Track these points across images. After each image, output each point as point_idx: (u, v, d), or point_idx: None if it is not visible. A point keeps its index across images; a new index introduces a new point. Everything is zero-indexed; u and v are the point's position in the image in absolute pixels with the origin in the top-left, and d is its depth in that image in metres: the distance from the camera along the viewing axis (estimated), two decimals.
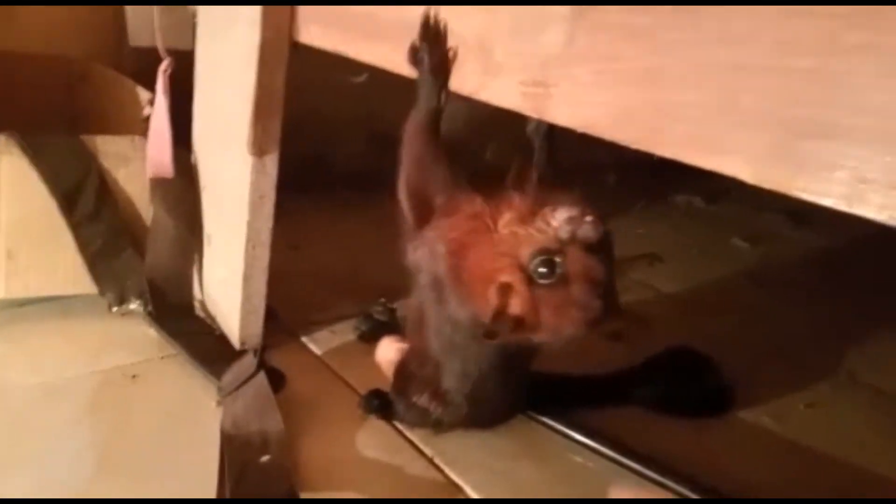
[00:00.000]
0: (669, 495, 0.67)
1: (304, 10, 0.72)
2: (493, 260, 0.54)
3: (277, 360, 0.83)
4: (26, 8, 1.11)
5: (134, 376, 0.78)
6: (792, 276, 1.34)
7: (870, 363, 0.99)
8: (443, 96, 0.58)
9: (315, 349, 0.88)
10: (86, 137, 0.85)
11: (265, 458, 0.67)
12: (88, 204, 0.84)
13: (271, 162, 0.77)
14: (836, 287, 1.29)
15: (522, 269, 0.52)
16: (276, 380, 0.79)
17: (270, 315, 0.85)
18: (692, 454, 0.73)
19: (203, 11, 0.83)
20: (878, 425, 0.86)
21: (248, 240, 0.79)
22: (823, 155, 0.34)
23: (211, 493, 0.62)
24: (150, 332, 0.86)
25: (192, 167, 0.87)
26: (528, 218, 0.54)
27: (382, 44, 0.64)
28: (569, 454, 0.73)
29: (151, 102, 0.84)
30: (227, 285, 0.84)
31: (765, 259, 1.40)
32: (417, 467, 0.69)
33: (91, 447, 0.67)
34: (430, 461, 0.70)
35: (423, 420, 0.71)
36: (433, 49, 0.56)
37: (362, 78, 1.25)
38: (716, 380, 0.81)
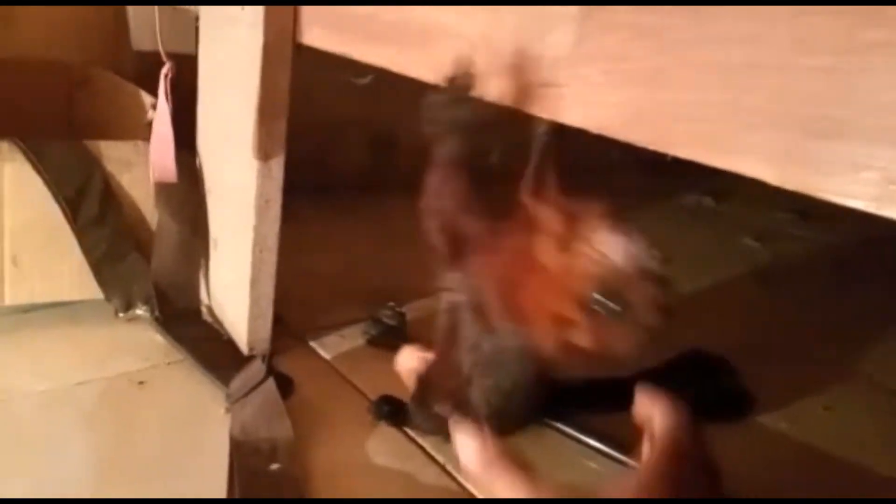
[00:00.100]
0: None
1: (307, 12, 0.71)
2: (549, 297, 0.51)
3: (285, 365, 0.82)
4: (26, 12, 1.10)
5: (141, 382, 0.77)
6: (804, 276, 1.33)
7: (887, 364, 0.97)
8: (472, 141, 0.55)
9: (323, 354, 0.87)
10: (88, 142, 0.84)
11: (275, 466, 0.66)
12: (92, 209, 0.83)
13: (277, 165, 0.76)
14: (848, 286, 1.27)
15: (583, 303, 0.50)
16: (285, 385, 0.78)
17: (277, 320, 0.84)
18: None
19: (205, 14, 0.82)
20: None
21: (255, 244, 0.78)
22: (849, 155, 0.33)
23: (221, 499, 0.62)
24: (157, 338, 0.85)
25: (198, 171, 0.86)
26: (569, 239, 0.51)
27: (386, 45, 0.63)
28: (583, 460, 0.72)
29: (154, 107, 0.84)
30: (233, 290, 0.83)
31: (776, 258, 1.39)
32: (429, 474, 0.68)
33: (97, 454, 0.66)
34: (443, 468, 0.69)
35: (440, 428, 0.70)
36: (460, 103, 0.53)
37: (367, 80, 1.25)
38: (734, 383, 0.80)
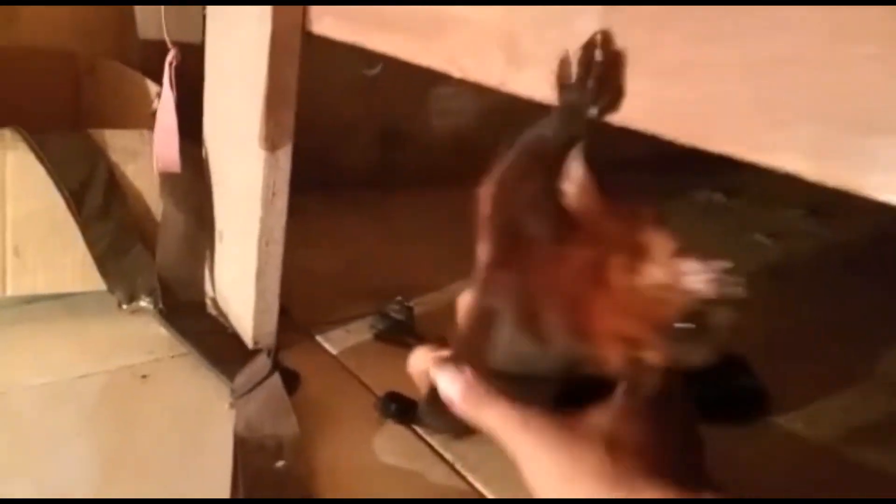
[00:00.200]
0: None
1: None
2: (623, 317, 0.46)
3: (291, 359, 0.80)
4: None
5: (144, 376, 0.76)
6: (816, 273, 1.31)
7: None
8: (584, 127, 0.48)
9: (330, 348, 0.85)
10: (93, 131, 0.83)
11: (280, 464, 0.64)
12: (97, 199, 0.82)
13: (284, 156, 0.75)
14: (862, 284, 1.25)
15: (660, 328, 0.47)
16: (291, 380, 0.76)
17: (283, 313, 0.83)
18: (722, 460, 0.70)
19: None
20: None
21: (261, 236, 0.76)
22: (894, 151, 0.31)
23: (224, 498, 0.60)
24: (161, 331, 0.83)
25: (203, 162, 0.85)
26: (642, 255, 0.48)
27: (398, 33, 0.61)
28: None
29: (160, 95, 0.82)
30: (239, 283, 0.82)
31: (788, 255, 1.37)
32: (438, 474, 0.67)
33: (99, 449, 0.65)
34: (452, 467, 0.67)
35: (454, 428, 0.68)
36: (591, 75, 0.46)
37: (376, 70, 1.23)
38: (750, 381, 0.78)
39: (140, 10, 1.11)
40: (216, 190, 0.85)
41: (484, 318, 0.56)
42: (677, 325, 0.44)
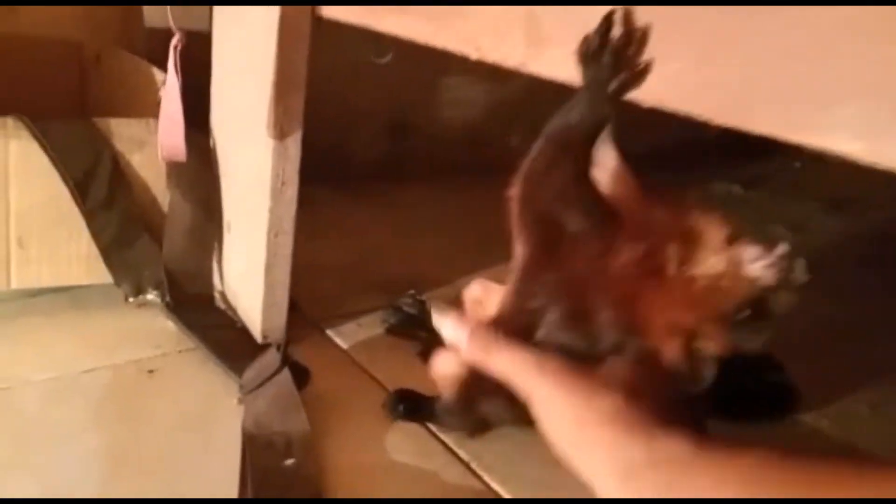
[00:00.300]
0: None
1: None
2: (679, 310, 0.44)
3: (301, 354, 0.78)
4: None
5: (151, 371, 0.74)
6: (836, 266, 1.28)
7: None
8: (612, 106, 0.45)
9: (341, 343, 0.83)
10: (98, 120, 0.81)
11: (289, 462, 0.63)
12: (102, 190, 0.80)
13: (293, 144, 0.73)
14: (884, 277, 1.22)
15: (720, 317, 0.45)
16: (300, 376, 0.74)
17: (293, 307, 0.81)
18: None
19: None
20: None
21: (270, 228, 0.74)
22: None
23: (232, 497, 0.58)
24: (168, 325, 0.82)
25: (211, 152, 0.83)
26: (695, 245, 0.46)
27: (411, 14, 0.59)
28: None
29: (165, 83, 0.80)
30: (248, 276, 0.80)
31: (806, 248, 1.34)
32: (453, 473, 0.65)
33: (104, 446, 0.63)
34: (467, 466, 0.65)
35: (468, 424, 0.65)
36: (614, 50, 0.44)
37: (386, 59, 1.21)
38: (781, 378, 0.75)
39: None
40: (224, 180, 0.83)
41: (525, 321, 0.52)
42: (738, 313, 0.42)
